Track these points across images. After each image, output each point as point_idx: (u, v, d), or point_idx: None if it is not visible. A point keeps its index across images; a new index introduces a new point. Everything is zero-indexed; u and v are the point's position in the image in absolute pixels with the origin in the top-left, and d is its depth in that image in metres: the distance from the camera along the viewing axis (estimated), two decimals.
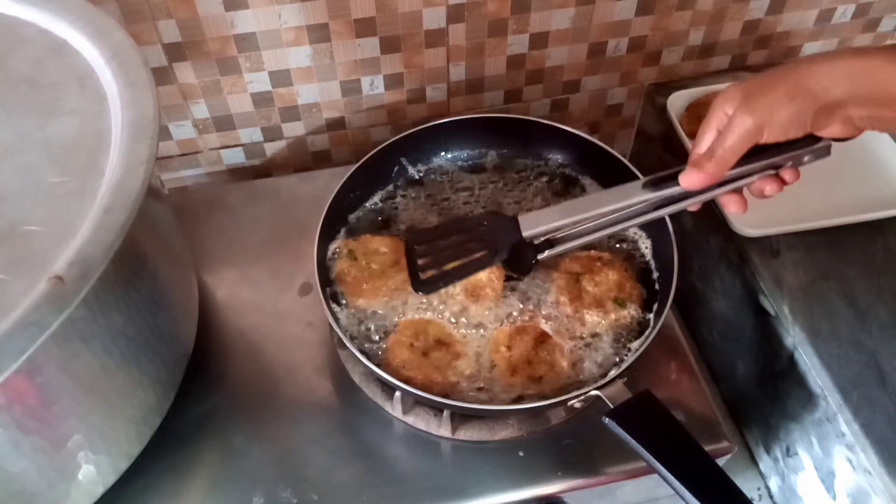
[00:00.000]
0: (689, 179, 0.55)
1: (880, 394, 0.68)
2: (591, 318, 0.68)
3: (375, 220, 0.77)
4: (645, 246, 0.74)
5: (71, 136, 0.52)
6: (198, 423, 0.68)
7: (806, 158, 0.56)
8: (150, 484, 0.64)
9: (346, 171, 0.74)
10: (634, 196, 0.58)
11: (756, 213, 0.67)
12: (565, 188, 0.80)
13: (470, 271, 0.63)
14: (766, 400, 0.80)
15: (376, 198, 0.79)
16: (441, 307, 0.69)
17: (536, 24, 0.88)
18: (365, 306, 0.69)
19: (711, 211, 0.82)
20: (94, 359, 0.52)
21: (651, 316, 0.69)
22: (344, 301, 0.70)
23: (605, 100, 1.02)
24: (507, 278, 0.70)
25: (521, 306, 0.69)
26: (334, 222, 0.74)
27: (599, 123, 1.06)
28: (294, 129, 0.95)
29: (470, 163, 0.82)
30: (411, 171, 0.81)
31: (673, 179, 0.56)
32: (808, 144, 0.54)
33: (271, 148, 0.97)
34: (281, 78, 0.88)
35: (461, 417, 0.67)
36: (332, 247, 0.74)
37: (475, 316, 0.69)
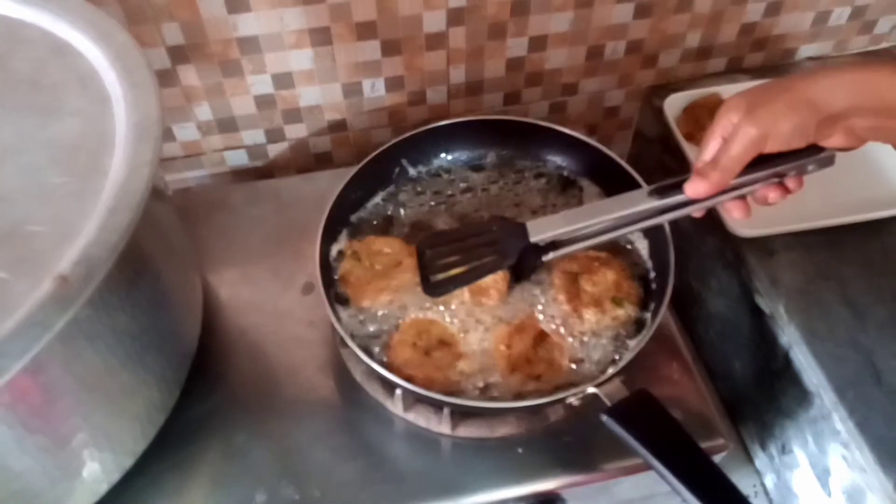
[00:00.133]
0: (695, 188, 0.56)
1: (876, 392, 0.68)
2: (589, 316, 0.69)
3: (376, 220, 0.78)
4: (642, 246, 0.74)
5: (73, 136, 0.52)
6: (200, 421, 0.69)
7: (810, 168, 0.56)
8: (152, 482, 0.64)
9: (348, 173, 0.75)
10: (640, 204, 0.59)
11: (752, 214, 0.67)
12: (564, 189, 0.80)
13: (479, 275, 0.64)
14: (762, 398, 0.81)
15: (377, 198, 0.79)
16: (444, 307, 0.70)
17: (535, 28, 0.89)
18: (368, 306, 0.70)
19: (708, 212, 0.82)
20: (98, 358, 0.52)
21: (648, 315, 0.70)
22: (347, 301, 0.71)
23: (603, 102, 1.03)
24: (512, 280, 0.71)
25: (523, 306, 0.70)
26: (336, 223, 0.74)
27: (597, 125, 1.07)
28: (296, 131, 0.96)
29: (470, 164, 0.83)
30: (412, 172, 0.81)
31: (678, 188, 0.57)
32: (811, 154, 0.55)
33: (274, 149, 0.97)
34: (283, 80, 0.88)
35: (461, 415, 0.68)
36: (336, 248, 0.75)
37: (478, 317, 0.69)
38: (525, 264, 0.63)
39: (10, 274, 0.44)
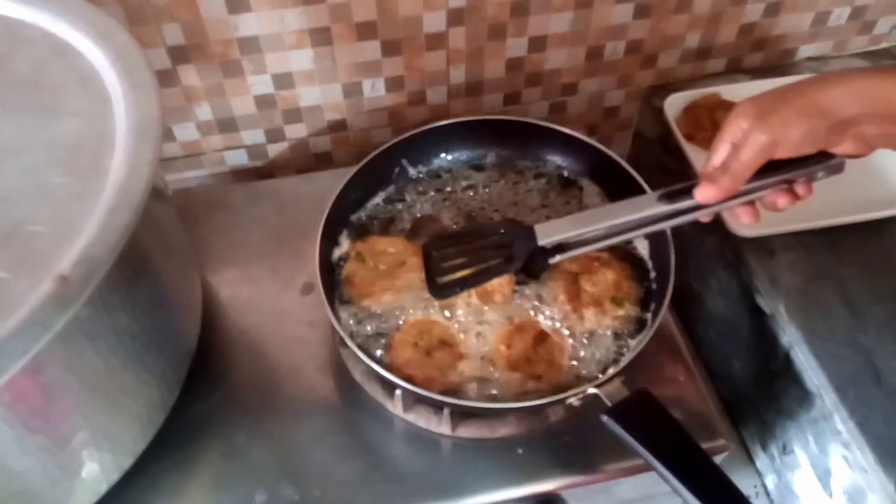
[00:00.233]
0: (705, 194, 0.56)
1: (876, 392, 0.68)
2: (590, 316, 0.69)
3: (376, 220, 0.78)
4: (642, 246, 0.74)
5: (74, 137, 0.52)
6: (200, 421, 0.69)
7: (819, 174, 0.57)
8: (152, 481, 0.64)
9: (348, 173, 0.75)
10: (649, 208, 0.59)
11: None
12: (564, 189, 0.80)
13: (486, 278, 0.63)
14: (762, 398, 0.81)
15: (377, 198, 0.79)
16: (446, 308, 0.70)
17: (535, 28, 0.89)
18: (372, 306, 0.70)
19: None
20: (98, 357, 0.52)
21: (648, 315, 0.70)
22: (350, 302, 0.70)
23: (602, 102, 1.03)
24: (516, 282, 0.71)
25: (523, 306, 0.70)
26: (336, 223, 0.74)
27: (597, 125, 1.07)
28: (296, 131, 0.96)
29: (470, 164, 0.83)
30: (412, 172, 0.81)
31: (687, 193, 0.57)
32: (821, 161, 0.55)
33: (274, 149, 0.97)
34: (283, 80, 0.88)
35: (461, 415, 0.68)
36: (338, 249, 0.75)
37: (480, 318, 0.69)
38: (531, 266, 0.63)
39: (10, 274, 0.44)
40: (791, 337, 0.73)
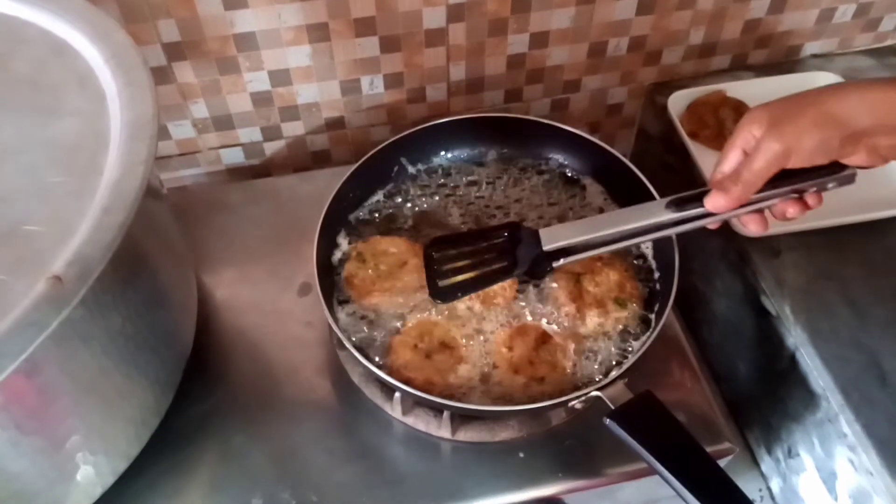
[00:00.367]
0: (715, 203, 0.55)
1: (881, 394, 0.68)
2: (592, 318, 0.68)
3: (375, 219, 0.77)
4: (645, 246, 0.74)
5: (71, 136, 0.52)
6: (197, 423, 0.68)
7: (830, 185, 0.56)
8: (149, 484, 0.64)
9: (346, 171, 0.74)
10: (657, 215, 0.59)
11: None
12: (566, 187, 0.79)
13: (488, 282, 0.62)
14: (767, 401, 0.80)
15: (376, 197, 0.79)
16: (447, 310, 0.69)
17: (536, 24, 0.88)
18: (372, 307, 0.69)
19: None
20: (92, 359, 0.52)
21: (652, 316, 0.69)
22: (347, 301, 0.70)
23: (605, 99, 1.02)
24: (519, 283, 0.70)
25: (528, 309, 0.69)
26: (334, 222, 0.74)
27: (600, 123, 1.06)
28: (293, 129, 0.95)
29: (470, 162, 0.82)
30: (411, 170, 0.80)
31: (697, 200, 0.57)
32: (833, 171, 0.55)
33: (270, 147, 0.97)
34: (280, 77, 0.87)
35: (461, 418, 0.67)
36: (339, 249, 0.74)
37: (482, 320, 0.68)
38: (534, 269, 0.62)
39: (7, 274, 0.44)
40: (797, 338, 0.72)
